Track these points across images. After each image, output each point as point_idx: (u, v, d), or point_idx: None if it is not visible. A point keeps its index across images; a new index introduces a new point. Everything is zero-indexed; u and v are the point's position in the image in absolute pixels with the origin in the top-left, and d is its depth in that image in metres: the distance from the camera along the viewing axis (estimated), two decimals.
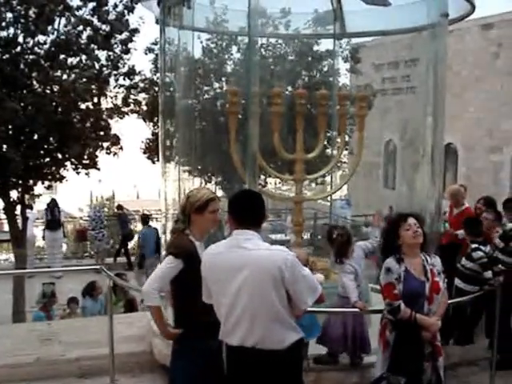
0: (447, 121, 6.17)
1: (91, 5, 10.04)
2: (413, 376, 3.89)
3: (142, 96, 13.20)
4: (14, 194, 10.52)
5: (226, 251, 3.25)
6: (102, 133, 10.97)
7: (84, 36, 10.12)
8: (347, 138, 9.31)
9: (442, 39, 6.02)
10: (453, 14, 6.03)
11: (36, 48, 9.86)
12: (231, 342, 3.26)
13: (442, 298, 4.01)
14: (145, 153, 15.52)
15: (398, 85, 21.43)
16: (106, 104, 11.27)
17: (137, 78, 11.54)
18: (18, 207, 10.72)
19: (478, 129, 18.63)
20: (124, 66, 10.79)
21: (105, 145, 11.15)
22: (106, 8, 10.17)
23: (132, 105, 12.14)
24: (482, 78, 18.30)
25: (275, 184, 21.29)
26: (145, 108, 13.83)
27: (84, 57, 10.22)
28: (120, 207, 16.14)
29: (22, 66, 9.73)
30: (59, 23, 9.94)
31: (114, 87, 11.21)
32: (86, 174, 11.03)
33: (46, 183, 10.80)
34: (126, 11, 10.34)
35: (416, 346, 3.88)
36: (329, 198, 8.14)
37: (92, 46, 10.17)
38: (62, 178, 10.76)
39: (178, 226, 3.67)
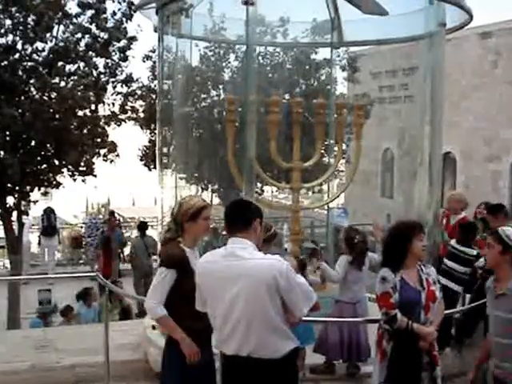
0: (445, 129, 6.18)
1: (90, 12, 10.08)
2: None
3: (139, 103, 13.25)
4: (10, 200, 10.51)
5: (222, 260, 3.24)
6: (98, 140, 11.00)
7: (82, 43, 10.17)
8: (344, 147, 9.32)
9: (440, 48, 6.06)
10: (450, 23, 6.06)
11: (34, 55, 9.90)
12: (226, 351, 3.25)
13: (438, 307, 4.00)
14: (141, 160, 15.56)
15: (396, 93, 21.48)
16: (103, 111, 11.30)
17: (134, 86, 11.56)
18: (14, 213, 10.71)
19: (476, 137, 18.68)
20: (122, 74, 10.83)
21: (102, 152, 11.17)
22: (105, 16, 10.22)
23: (129, 112, 12.16)
24: (480, 87, 18.36)
25: (272, 192, 21.34)
26: (142, 115, 13.88)
27: (82, 64, 10.25)
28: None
29: (20, 72, 9.76)
30: (58, 30, 10.00)
31: (112, 94, 11.25)
32: (83, 180, 11.03)
33: (43, 189, 10.80)
34: (124, 19, 10.38)
35: (413, 356, 3.85)
36: (326, 207, 8.14)
37: (90, 53, 10.21)
38: (58, 185, 10.77)
39: (169, 235, 3.67)
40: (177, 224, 3.64)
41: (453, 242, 6.16)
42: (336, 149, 7.41)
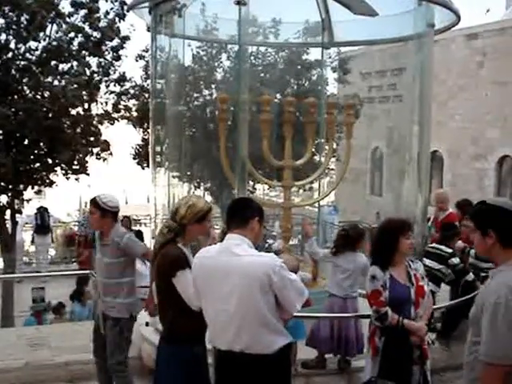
0: (433, 129, 6.27)
1: (83, 12, 10.11)
2: (402, 380, 3.92)
3: (132, 102, 13.25)
4: (3, 199, 10.52)
5: (217, 255, 3.28)
6: (92, 138, 11.02)
7: (75, 43, 10.20)
8: (335, 146, 9.39)
9: (428, 49, 6.13)
10: (439, 25, 6.14)
11: (27, 54, 9.93)
12: (219, 347, 3.29)
13: (427, 302, 4.09)
14: (134, 158, 15.56)
15: (385, 93, 21.64)
16: (96, 110, 11.33)
17: (127, 85, 11.61)
18: (8, 212, 10.72)
19: (463, 137, 18.88)
20: (115, 73, 10.88)
21: (95, 150, 11.19)
22: (98, 15, 10.25)
23: (122, 111, 12.19)
24: (467, 87, 18.56)
25: (263, 190, 21.37)
26: (135, 114, 13.89)
27: (75, 63, 10.28)
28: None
29: (13, 71, 9.78)
30: (51, 30, 10.05)
31: (105, 93, 11.30)
32: (76, 179, 11.05)
33: (36, 188, 10.82)
34: (117, 18, 10.43)
35: (405, 351, 3.92)
36: (317, 204, 8.21)
37: (83, 52, 10.24)
38: (51, 183, 10.78)
39: (170, 236, 3.59)
40: (180, 224, 3.59)
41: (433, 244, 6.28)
42: (327, 147, 7.48)
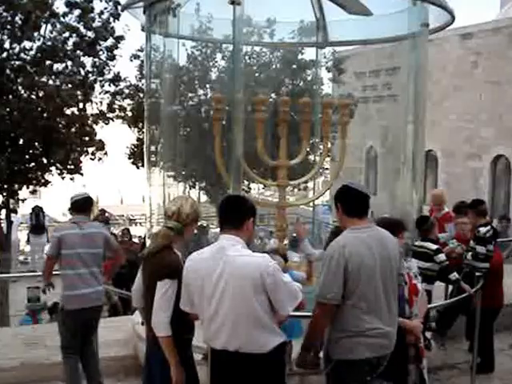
0: (427, 128, 6.29)
1: (77, 12, 10.12)
2: (398, 379, 3.93)
3: (127, 102, 13.28)
4: None
5: (211, 256, 3.27)
6: (86, 138, 11.02)
7: (70, 42, 10.22)
8: (330, 145, 9.38)
9: (423, 48, 6.16)
10: (433, 24, 6.17)
11: (22, 54, 9.94)
12: (215, 346, 3.30)
13: (421, 300, 4.09)
14: (129, 158, 15.58)
15: (379, 93, 21.68)
16: (91, 110, 11.33)
17: (122, 84, 11.61)
18: (3, 211, 10.72)
19: (457, 136, 18.93)
20: (109, 73, 10.89)
21: (90, 150, 11.20)
22: (92, 15, 10.26)
23: (117, 111, 12.20)
24: (461, 87, 18.61)
25: (258, 189, 21.40)
26: (130, 114, 13.91)
27: (70, 63, 10.28)
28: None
29: (8, 71, 9.78)
30: (45, 29, 10.05)
31: (100, 93, 11.30)
32: (71, 178, 11.06)
33: (31, 188, 10.82)
34: (111, 18, 10.43)
35: (400, 349, 3.87)
36: (311, 204, 8.23)
37: (78, 52, 10.24)
38: (46, 183, 10.78)
39: (175, 237, 3.54)
40: (183, 225, 3.56)
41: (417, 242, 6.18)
42: (321, 147, 7.49)
